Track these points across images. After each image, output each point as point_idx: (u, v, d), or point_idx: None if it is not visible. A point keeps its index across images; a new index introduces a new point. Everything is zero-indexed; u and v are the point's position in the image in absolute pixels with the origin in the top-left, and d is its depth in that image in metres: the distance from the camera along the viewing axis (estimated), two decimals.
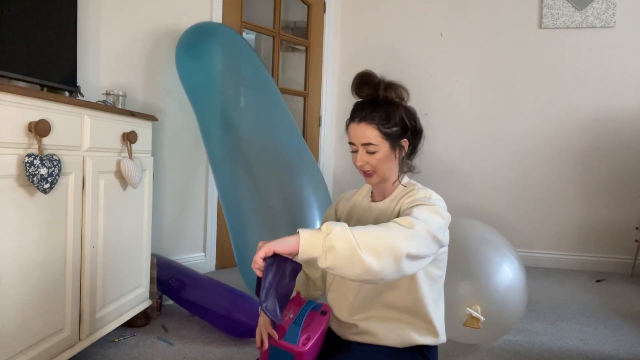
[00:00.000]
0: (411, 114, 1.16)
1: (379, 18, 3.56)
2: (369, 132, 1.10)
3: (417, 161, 1.20)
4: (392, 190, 1.18)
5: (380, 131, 1.10)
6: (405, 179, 1.20)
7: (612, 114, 3.21)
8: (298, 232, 0.88)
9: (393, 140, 1.12)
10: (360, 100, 1.15)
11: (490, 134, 3.40)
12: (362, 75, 1.13)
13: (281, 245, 0.85)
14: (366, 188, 1.26)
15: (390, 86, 1.13)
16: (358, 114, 1.12)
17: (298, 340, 0.99)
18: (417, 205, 1.04)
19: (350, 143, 1.14)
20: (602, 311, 2.36)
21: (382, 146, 1.11)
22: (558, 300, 2.53)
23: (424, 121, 1.22)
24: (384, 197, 1.19)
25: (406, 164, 1.18)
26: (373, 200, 1.22)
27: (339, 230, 0.86)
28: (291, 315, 1.06)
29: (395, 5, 3.52)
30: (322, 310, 1.11)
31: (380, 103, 1.12)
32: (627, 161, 3.20)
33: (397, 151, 1.14)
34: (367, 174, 1.14)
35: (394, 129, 1.12)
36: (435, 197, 1.11)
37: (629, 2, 3.14)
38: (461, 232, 1.99)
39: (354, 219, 1.22)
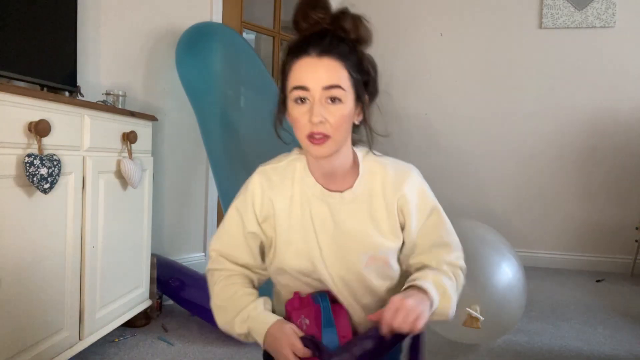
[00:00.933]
0: (374, 62, 0.86)
1: (379, 18, 3.55)
2: (336, 71, 0.78)
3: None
4: (353, 172, 0.88)
5: (350, 73, 0.79)
6: (362, 151, 0.91)
7: (612, 113, 3.20)
8: (427, 292, 0.80)
9: (359, 92, 0.82)
10: (304, 33, 0.80)
11: (490, 133, 3.40)
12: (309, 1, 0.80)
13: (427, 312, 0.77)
14: (296, 166, 0.88)
15: (360, 20, 0.83)
16: (316, 45, 0.77)
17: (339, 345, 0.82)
18: (442, 228, 0.94)
19: (297, 88, 0.78)
20: (602, 311, 2.36)
21: (349, 96, 0.79)
22: (558, 300, 2.53)
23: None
24: (339, 181, 0.87)
25: (368, 130, 0.88)
26: (328, 188, 0.87)
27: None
28: (307, 322, 0.86)
29: (395, 5, 3.52)
30: (332, 298, 0.91)
31: (344, 38, 0.81)
32: (627, 161, 3.20)
33: (359, 110, 0.84)
34: (317, 140, 0.78)
35: (361, 76, 0.82)
36: (425, 183, 0.97)
37: (629, 2, 3.14)
38: (461, 232, 1.98)
39: (308, 229, 0.86)
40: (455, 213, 3.72)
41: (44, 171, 1.28)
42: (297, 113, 0.79)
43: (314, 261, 0.87)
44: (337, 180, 0.88)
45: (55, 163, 1.32)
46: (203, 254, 2.85)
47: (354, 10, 0.81)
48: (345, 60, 0.79)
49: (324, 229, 0.87)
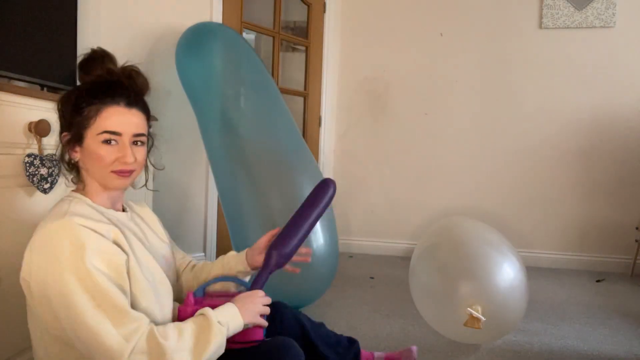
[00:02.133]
0: None
1: (379, 18, 3.55)
2: (142, 121, 0.96)
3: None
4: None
5: (147, 123, 0.99)
6: None
7: (612, 113, 3.20)
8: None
9: (149, 136, 1.01)
10: (98, 78, 0.95)
11: (490, 133, 3.40)
12: (103, 52, 0.98)
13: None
14: (84, 203, 0.92)
15: (147, 79, 1.00)
16: (122, 96, 0.92)
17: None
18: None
19: (109, 132, 0.90)
20: (602, 311, 2.36)
21: (146, 140, 0.99)
22: (558, 300, 2.53)
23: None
24: (118, 205, 1.02)
25: (148, 165, 1.08)
26: (117, 209, 1.01)
27: None
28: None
29: (395, 5, 3.52)
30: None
31: (139, 92, 0.98)
32: (627, 161, 3.20)
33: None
34: (124, 174, 0.93)
35: (149, 125, 1.01)
36: None
37: (629, 2, 3.14)
38: (462, 232, 1.99)
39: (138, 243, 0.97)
40: (456, 213, 3.72)
41: (44, 171, 1.28)
42: (104, 152, 0.91)
43: (153, 271, 0.97)
44: (117, 204, 1.01)
45: (55, 163, 1.32)
46: (203, 253, 2.85)
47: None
48: (145, 113, 0.97)
49: (145, 242, 1.01)
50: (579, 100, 3.25)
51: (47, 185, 1.30)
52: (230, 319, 0.91)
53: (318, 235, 2.11)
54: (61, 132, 0.96)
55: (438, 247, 1.99)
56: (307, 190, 2.24)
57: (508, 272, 1.73)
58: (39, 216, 1.33)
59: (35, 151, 1.29)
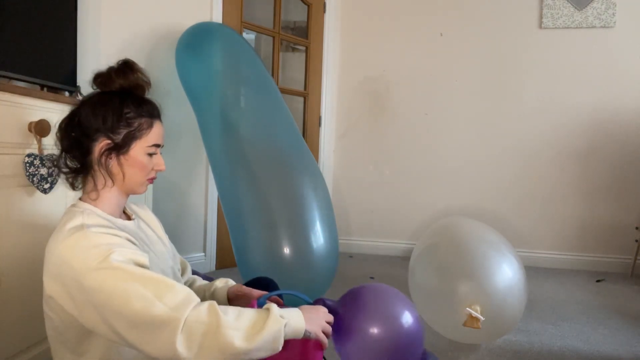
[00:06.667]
0: None
1: (379, 17, 3.55)
2: None
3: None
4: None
5: None
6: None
7: (612, 113, 3.20)
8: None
9: None
10: (119, 90, 0.96)
11: (489, 133, 3.40)
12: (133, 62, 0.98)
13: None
14: (96, 214, 0.93)
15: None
16: (157, 110, 1.00)
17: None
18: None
19: (157, 145, 0.98)
20: (602, 311, 2.36)
21: None
22: (558, 300, 2.53)
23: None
24: (122, 211, 1.04)
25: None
26: (124, 217, 1.04)
27: None
28: None
29: (395, 5, 3.52)
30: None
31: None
32: (627, 161, 3.20)
33: None
34: (152, 181, 1.02)
35: None
36: None
37: (629, 2, 3.14)
38: (461, 232, 1.99)
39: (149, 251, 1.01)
40: (455, 213, 3.72)
41: (43, 171, 1.28)
42: (148, 162, 0.97)
43: (166, 273, 1.02)
44: (123, 210, 1.05)
45: (55, 163, 1.32)
46: (203, 253, 2.85)
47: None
48: None
49: (152, 248, 1.03)
50: (578, 100, 3.25)
51: (47, 185, 1.30)
52: (292, 317, 0.88)
53: (318, 235, 2.11)
54: (88, 134, 0.93)
55: (437, 247, 1.99)
56: (307, 190, 2.24)
57: (507, 272, 1.73)
58: (39, 216, 1.33)
59: (35, 151, 1.29)
